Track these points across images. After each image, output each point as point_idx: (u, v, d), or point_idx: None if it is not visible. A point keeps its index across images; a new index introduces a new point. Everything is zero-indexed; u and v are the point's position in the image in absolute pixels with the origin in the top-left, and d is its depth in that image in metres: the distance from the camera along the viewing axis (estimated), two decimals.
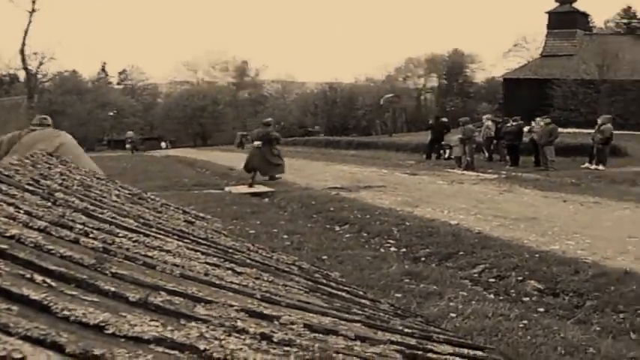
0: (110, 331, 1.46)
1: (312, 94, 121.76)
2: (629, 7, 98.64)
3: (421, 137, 43.77)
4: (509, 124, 30.90)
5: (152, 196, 5.30)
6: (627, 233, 12.43)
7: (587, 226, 13.53)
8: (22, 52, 39.86)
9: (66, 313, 1.46)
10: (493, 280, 9.82)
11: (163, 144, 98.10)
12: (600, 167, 27.10)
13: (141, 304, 1.77)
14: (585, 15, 75.64)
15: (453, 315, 7.62)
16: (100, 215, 3.06)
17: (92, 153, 70.80)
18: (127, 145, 78.99)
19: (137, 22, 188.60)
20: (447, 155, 33.45)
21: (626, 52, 57.30)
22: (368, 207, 16.65)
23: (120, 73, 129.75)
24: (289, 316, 2.08)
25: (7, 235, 1.94)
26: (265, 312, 2.07)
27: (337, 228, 14.49)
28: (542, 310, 8.40)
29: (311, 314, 2.31)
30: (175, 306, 1.82)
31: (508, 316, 7.66)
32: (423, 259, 11.29)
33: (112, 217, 3.02)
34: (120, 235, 2.72)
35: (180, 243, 2.99)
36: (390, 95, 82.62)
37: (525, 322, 7.51)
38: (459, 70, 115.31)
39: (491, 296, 9.03)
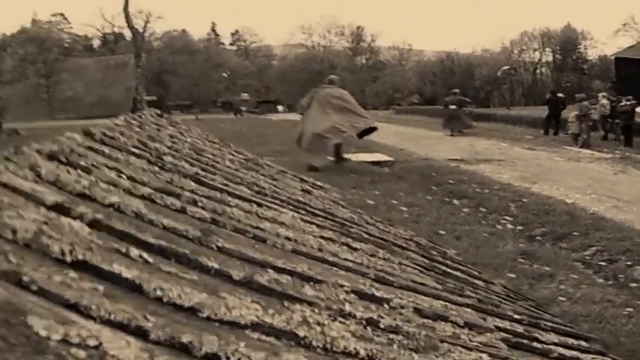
0: (205, 315, 1.35)
1: (430, 62, 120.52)
2: None
3: (538, 111, 42.91)
4: (622, 104, 30.25)
5: (268, 162, 5.10)
6: None
7: None
8: (125, 10, 39.80)
9: (159, 293, 1.34)
10: (604, 263, 9.68)
11: (280, 107, 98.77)
12: None
13: (245, 284, 1.66)
14: None
15: (562, 299, 7.59)
16: (210, 182, 2.90)
17: (205, 115, 71.34)
18: (243, 108, 78.29)
19: None
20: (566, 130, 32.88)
21: None
22: (487, 181, 16.67)
23: (232, 34, 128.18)
24: (400, 298, 2.02)
25: (106, 203, 1.79)
26: (377, 294, 1.99)
27: (456, 202, 14.43)
28: None
29: (423, 297, 2.26)
30: (282, 286, 1.72)
31: (614, 303, 7.59)
32: (538, 237, 11.21)
33: (224, 184, 2.97)
34: (231, 204, 2.61)
35: (295, 214, 2.77)
36: (507, 67, 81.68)
37: (630, 309, 7.44)
38: (573, 47, 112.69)
39: (601, 280, 8.93)
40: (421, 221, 11.65)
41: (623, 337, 6.64)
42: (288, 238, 2.34)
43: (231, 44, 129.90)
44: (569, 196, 14.82)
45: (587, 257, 10.02)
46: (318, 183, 5.44)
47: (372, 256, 2.71)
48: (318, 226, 2.87)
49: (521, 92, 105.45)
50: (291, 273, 1.86)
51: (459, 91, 39.67)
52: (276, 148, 23.16)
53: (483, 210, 13.45)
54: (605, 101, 32.10)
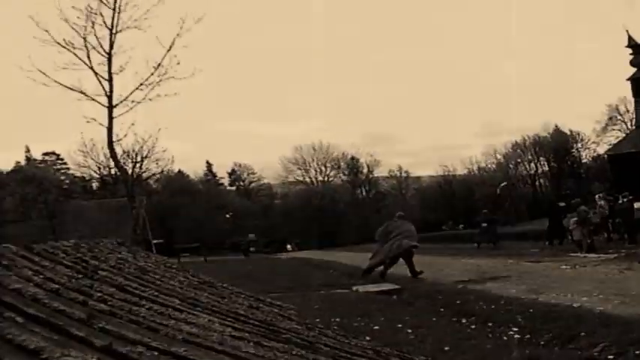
0: None
1: (429, 188, 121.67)
2: None
3: (543, 224, 43.36)
4: (620, 202, 30.78)
5: (226, 286, 5.53)
6: None
7: None
8: (110, 148, 40.72)
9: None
10: (612, 356, 9.87)
11: (289, 246, 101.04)
12: None
13: (104, 351, 1.92)
14: None
15: None
16: (134, 291, 3.23)
17: (214, 256, 71.52)
18: (252, 249, 79.76)
19: (231, 117, 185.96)
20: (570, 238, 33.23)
21: None
22: (494, 297, 16.75)
23: (229, 174, 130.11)
24: None
25: (10, 287, 2.13)
26: None
27: (463, 320, 14.62)
28: None
29: None
30: (141, 356, 1.97)
31: None
32: (545, 343, 11.43)
33: (153, 295, 3.32)
34: (144, 305, 2.93)
35: (215, 319, 3.19)
36: (505, 183, 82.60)
37: None
38: (565, 152, 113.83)
39: None
40: (426, 341, 11.79)
41: None
42: (188, 332, 2.69)
43: (230, 184, 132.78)
44: (576, 300, 15.02)
45: (595, 354, 10.19)
46: (278, 303, 5.85)
47: (282, 352, 3.03)
48: (234, 328, 3.24)
49: (524, 207, 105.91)
50: (164, 352, 2.19)
51: (487, 211, 49.63)
52: (285, 284, 24.06)
53: (490, 324, 13.62)
54: (602, 202, 32.64)
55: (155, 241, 73.89)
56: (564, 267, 23.22)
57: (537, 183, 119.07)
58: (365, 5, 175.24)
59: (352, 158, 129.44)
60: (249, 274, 32.20)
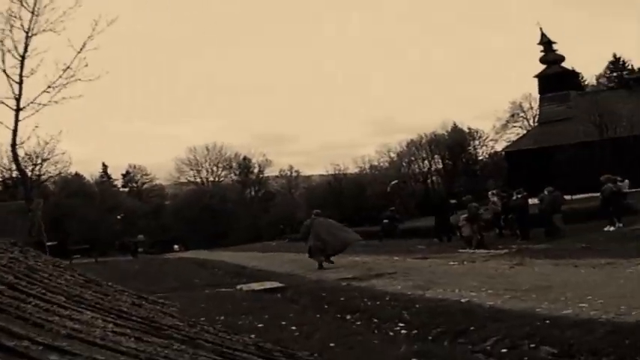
0: None
1: (318, 187, 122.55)
2: (618, 58, 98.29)
3: (431, 221, 43.58)
4: (514, 198, 30.90)
5: (111, 284, 5.39)
6: None
7: (600, 286, 13.32)
8: (13, 150, 40.65)
9: None
10: (505, 350, 9.64)
11: (176, 246, 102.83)
12: (611, 228, 26.97)
13: None
14: (575, 74, 75.25)
15: None
16: (22, 288, 3.32)
17: (105, 257, 72.67)
18: (140, 249, 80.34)
19: (130, 119, 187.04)
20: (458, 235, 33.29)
21: (621, 107, 57.05)
22: (379, 294, 16.53)
23: (123, 175, 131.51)
24: None
25: None
26: None
27: (348, 317, 14.42)
28: None
29: None
30: (28, 350, 1.93)
31: None
32: (434, 338, 11.16)
33: (40, 292, 3.16)
34: (31, 302, 2.96)
35: (98, 316, 3.08)
36: (396, 181, 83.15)
37: None
38: (461, 149, 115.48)
39: None
40: (311, 337, 11.47)
41: None
42: (72, 328, 2.54)
43: (123, 186, 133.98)
44: (464, 295, 14.85)
45: (487, 348, 9.95)
46: (161, 300, 5.67)
47: (162, 347, 2.83)
48: (116, 324, 3.09)
49: (414, 205, 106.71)
50: (48, 346, 2.19)
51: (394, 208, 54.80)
52: (171, 284, 24.52)
53: (376, 320, 13.32)
54: (495, 199, 32.75)
55: (49, 243, 74.80)
56: (452, 263, 23.18)
57: (430, 180, 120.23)
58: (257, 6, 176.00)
59: (244, 158, 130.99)
60: (136, 274, 32.83)
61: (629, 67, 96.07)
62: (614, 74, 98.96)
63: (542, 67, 72.30)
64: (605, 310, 10.83)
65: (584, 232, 27.59)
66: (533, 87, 74.22)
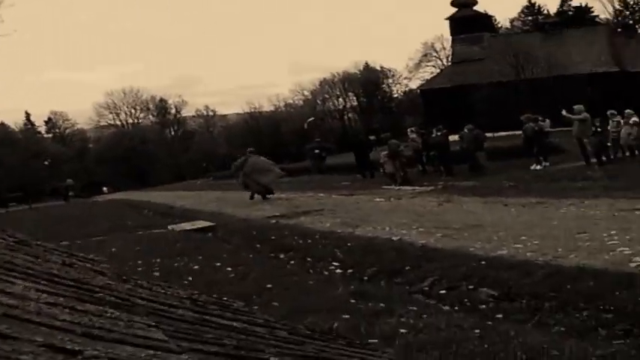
0: None
1: (236, 125, 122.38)
2: (533, 3, 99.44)
3: (351, 157, 43.57)
4: (434, 135, 30.97)
5: (41, 243, 5.22)
6: (576, 230, 12.19)
7: (533, 227, 13.30)
8: None
9: None
10: (444, 291, 9.56)
11: (105, 188, 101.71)
12: (538, 167, 27.23)
13: None
14: (488, 16, 76.36)
15: (404, 331, 7.34)
16: None
17: (39, 203, 72.56)
18: (70, 193, 79.53)
19: (50, 66, 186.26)
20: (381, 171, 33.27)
21: (537, 49, 57.86)
22: (308, 232, 16.52)
23: (46, 122, 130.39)
24: (96, 350, 1.98)
25: None
26: (69, 347, 1.95)
27: (282, 255, 14.25)
28: (500, 316, 8.13)
29: (130, 348, 2.20)
30: None
31: (462, 327, 7.43)
32: (369, 278, 11.06)
33: None
34: None
35: (30, 284, 2.95)
36: (312, 119, 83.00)
37: (480, 330, 7.28)
38: (375, 87, 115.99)
39: (447, 308, 8.80)
40: (247, 278, 11.26)
41: (478, 357, 6.43)
42: (7, 304, 2.39)
43: (47, 132, 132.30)
44: (395, 233, 14.80)
45: (425, 288, 9.87)
46: (91, 257, 5.48)
47: (97, 315, 2.64)
48: (49, 293, 2.90)
49: (333, 140, 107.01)
50: None
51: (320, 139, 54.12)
52: (104, 227, 24.11)
53: (310, 259, 13.21)
54: (414, 135, 32.79)
55: None
56: (378, 199, 23.14)
57: (346, 117, 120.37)
58: None
59: (161, 100, 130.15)
60: (70, 218, 32.75)
61: (545, 11, 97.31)
62: (529, 18, 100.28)
63: (453, 10, 72.99)
64: (541, 251, 10.82)
65: (509, 170, 27.78)
66: (445, 29, 74.32)
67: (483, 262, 10.22)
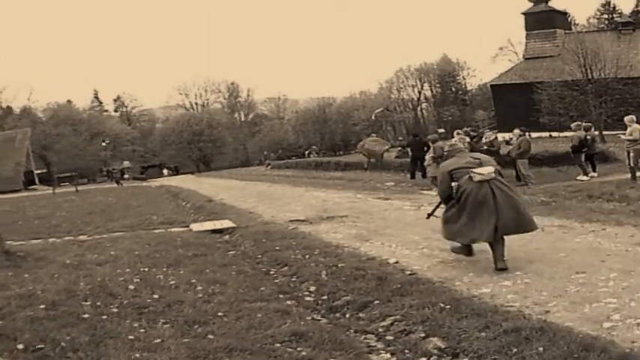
0: None
1: (306, 112, 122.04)
2: (608, 2, 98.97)
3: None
4: (487, 138, 29.82)
5: None
6: (577, 268, 11.18)
7: (536, 259, 12.33)
8: None
9: None
10: (397, 334, 8.89)
11: (165, 171, 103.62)
12: (584, 178, 26.13)
13: None
14: (563, 13, 76.38)
15: None
16: None
17: (91, 185, 72.98)
18: (126, 176, 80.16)
19: (124, 48, 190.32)
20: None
21: (607, 49, 56.34)
22: (315, 244, 15.96)
23: (115, 100, 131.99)
24: None
25: None
26: None
27: (272, 271, 13.88)
28: None
29: None
30: None
31: None
32: (337, 309, 10.53)
33: None
34: None
35: None
36: (380, 109, 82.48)
37: None
38: (451, 79, 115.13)
39: (387, 356, 8.22)
40: (212, 301, 10.69)
41: None
42: None
43: (115, 111, 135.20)
44: (396, 254, 14.15)
45: (381, 329, 9.20)
46: None
47: None
48: None
49: (406, 132, 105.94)
50: None
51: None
52: (130, 222, 24.35)
53: (295, 279, 12.78)
54: (456, 138, 31.47)
55: (37, 172, 76.24)
56: (408, 207, 22.50)
57: (419, 108, 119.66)
58: None
59: (232, 83, 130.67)
60: (105, 208, 32.33)
61: (619, 11, 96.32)
62: (605, 16, 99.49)
63: (530, 4, 72.30)
64: (524, 294, 9.90)
65: (554, 180, 26.82)
66: (521, 24, 73.62)
67: (448, 307, 9.34)
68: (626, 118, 24.90)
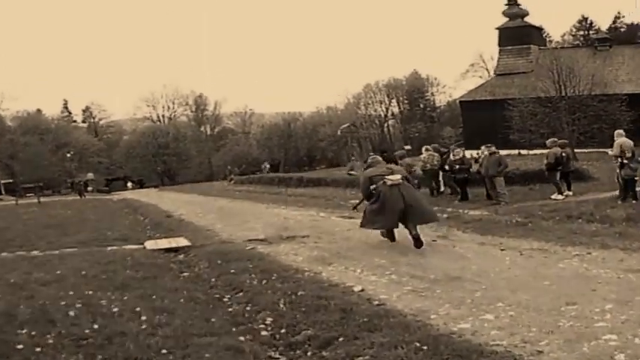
0: None
1: (271, 127, 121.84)
2: (585, 18, 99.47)
3: None
4: (456, 155, 28.57)
5: None
6: (565, 298, 10.01)
7: (519, 287, 11.11)
8: None
9: None
10: None
11: (129, 184, 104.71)
12: (559, 197, 25.06)
13: None
14: (539, 29, 76.34)
15: None
16: None
17: (56, 196, 72.80)
18: (89, 188, 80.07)
19: (94, 57, 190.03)
20: None
21: (582, 65, 55.95)
22: (271, 269, 14.68)
23: (83, 111, 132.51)
24: None
25: None
26: None
27: (226, 298, 12.48)
28: None
29: None
30: None
31: None
32: (297, 345, 9.16)
33: None
34: None
35: None
36: (346, 125, 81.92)
37: None
38: (420, 95, 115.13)
39: None
40: (156, 334, 9.46)
41: None
42: None
43: (83, 121, 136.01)
44: (361, 280, 12.94)
45: None
46: None
47: None
48: None
49: (372, 148, 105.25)
50: None
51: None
52: (84, 237, 23.90)
53: (248, 309, 11.33)
54: (427, 154, 30.30)
55: (3, 181, 75.95)
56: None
57: (386, 125, 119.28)
58: None
59: (200, 95, 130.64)
60: (63, 221, 32.49)
61: (597, 27, 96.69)
62: (581, 33, 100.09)
63: (505, 19, 72.12)
64: (510, 330, 8.74)
65: (526, 198, 25.79)
66: (495, 39, 73.23)
67: (425, 347, 8.08)
68: (616, 132, 23.85)
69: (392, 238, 17.66)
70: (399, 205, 16.44)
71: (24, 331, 9.61)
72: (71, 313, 10.68)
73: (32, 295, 12.25)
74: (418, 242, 16.13)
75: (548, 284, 11.26)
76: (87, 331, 9.64)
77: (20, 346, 8.85)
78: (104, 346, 8.97)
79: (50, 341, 9.12)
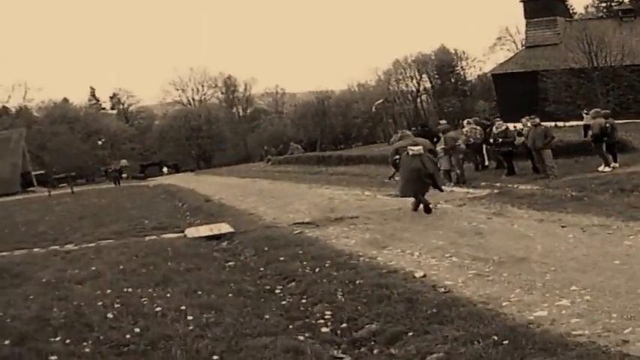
0: None
1: (305, 106, 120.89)
2: None
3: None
4: (498, 128, 27.69)
5: None
6: None
7: (589, 268, 10.41)
8: None
9: None
10: None
11: (165, 169, 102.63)
12: (606, 169, 24.28)
13: None
14: (562, 1, 75.07)
15: None
16: None
17: (90, 185, 72.24)
18: (124, 175, 79.23)
19: (118, 43, 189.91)
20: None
21: (611, 36, 55.71)
22: (326, 253, 14.08)
23: (111, 98, 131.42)
24: None
25: None
26: None
27: (278, 289, 11.76)
28: None
29: None
30: None
31: None
32: (362, 342, 8.53)
33: None
34: None
35: None
36: (380, 101, 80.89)
37: None
38: (450, 69, 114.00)
39: None
40: (205, 337, 8.79)
41: None
42: None
43: (111, 108, 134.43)
44: (423, 263, 12.31)
45: None
46: None
47: None
48: None
49: (406, 124, 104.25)
50: None
51: None
52: (120, 227, 23.14)
53: (305, 301, 10.69)
54: (469, 127, 29.47)
55: (35, 173, 75.66)
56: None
57: (419, 100, 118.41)
58: None
59: (229, 77, 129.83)
60: (98, 211, 31.39)
61: None
62: (603, 4, 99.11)
63: None
64: (590, 317, 8.02)
65: (574, 172, 24.85)
66: (519, 12, 72.47)
67: (505, 342, 7.38)
68: None
69: (416, 207, 19.45)
70: (418, 173, 18.73)
71: (58, 339, 9.04)
72: (109, 315, 10.15)
73: (67, 295, 11.71)
74: (427, 209, 18.88)
75: (619, 264, 10.54)
76: (128, 335, 9.05)
77: (54, 358, 8.26)
78: (147, 352, 8.42)
79: (87, 349, 8.55)
